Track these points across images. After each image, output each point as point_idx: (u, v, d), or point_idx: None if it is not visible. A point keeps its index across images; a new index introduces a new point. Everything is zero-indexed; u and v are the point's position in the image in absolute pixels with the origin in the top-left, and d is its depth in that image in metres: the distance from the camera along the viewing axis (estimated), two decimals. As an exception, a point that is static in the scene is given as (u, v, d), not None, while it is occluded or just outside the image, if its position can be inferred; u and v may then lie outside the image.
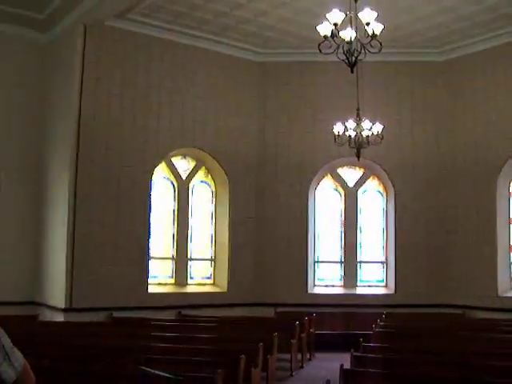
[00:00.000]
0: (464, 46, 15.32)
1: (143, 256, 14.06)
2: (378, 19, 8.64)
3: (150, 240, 14.33)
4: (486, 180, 14.88)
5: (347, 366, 7.49)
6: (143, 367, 6.59)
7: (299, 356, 12.38)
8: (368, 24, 8.49)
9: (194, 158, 15.59)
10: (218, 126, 15.37)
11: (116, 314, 13.05)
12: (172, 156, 15.17)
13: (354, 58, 8.53)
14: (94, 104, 13.56)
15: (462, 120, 15.51)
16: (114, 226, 13.61)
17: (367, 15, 8.48)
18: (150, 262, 14.29)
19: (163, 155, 14.75)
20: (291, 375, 11.53)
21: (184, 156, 15.50)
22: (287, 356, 11.49)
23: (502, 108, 14.54)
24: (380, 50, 8.45)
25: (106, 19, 13.44)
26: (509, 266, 14.77)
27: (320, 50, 8.32)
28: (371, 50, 8.55)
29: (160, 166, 14.87)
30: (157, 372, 6.41)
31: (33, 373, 3.29)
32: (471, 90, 15.37)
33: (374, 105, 15.00)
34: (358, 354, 8.16)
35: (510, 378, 7.12)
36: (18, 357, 3.19)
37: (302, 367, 12.44)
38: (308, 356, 13.23)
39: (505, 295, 14.43)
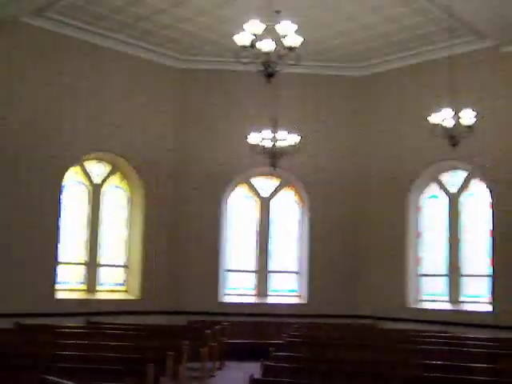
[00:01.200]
0: (381, 62, 15.84)
1: (51, 261, 13.71)
2: (298, 32, 8.67)
3: (59, 245, 14.00)
4: (399, 193, 15.34)
5: (258, 375, 7.49)
6: (46, 376, 6.40)
7: (210, 365, 12.34)
8: (285, 36, 8.52)
9: (109, 162, 15.34)
10: (134, 132, 15.19)
11: (22, 321, 12.63)
12: (86, 160, 14.88)
13: (270, 69, 8.56)
14: (5, 104, 13.16)
15: (377, 134, 15.93)
16: (22, 229, 13.19)
17: (285, 28, 8.51)
18: (58, 267, 13.94)
19: (77, 159, 14.46)
20: (201, 384, 11.48)
21: (99, 160, 15.22)
22: (199, 365, 11.41)
23: (414, 123, 14.89)
24: (298, 63, 8.52)
25: (20, 15, 13.05)
26: (417, 278, 15.20)
27: (238, 60, 8.32)
28: (289, 61, 8.60)
29: (73, 169, 14.56)
30: (61, 381, 6.23)
31: None
32: (386, 105, 15.85)
33: (292, 116, 15.17)
34: (268, 364, 8.18)
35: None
36: None
37: (212, 376, 12.38)
38: (218, 365, 13.19)
39: (413, 306, 14.88)
